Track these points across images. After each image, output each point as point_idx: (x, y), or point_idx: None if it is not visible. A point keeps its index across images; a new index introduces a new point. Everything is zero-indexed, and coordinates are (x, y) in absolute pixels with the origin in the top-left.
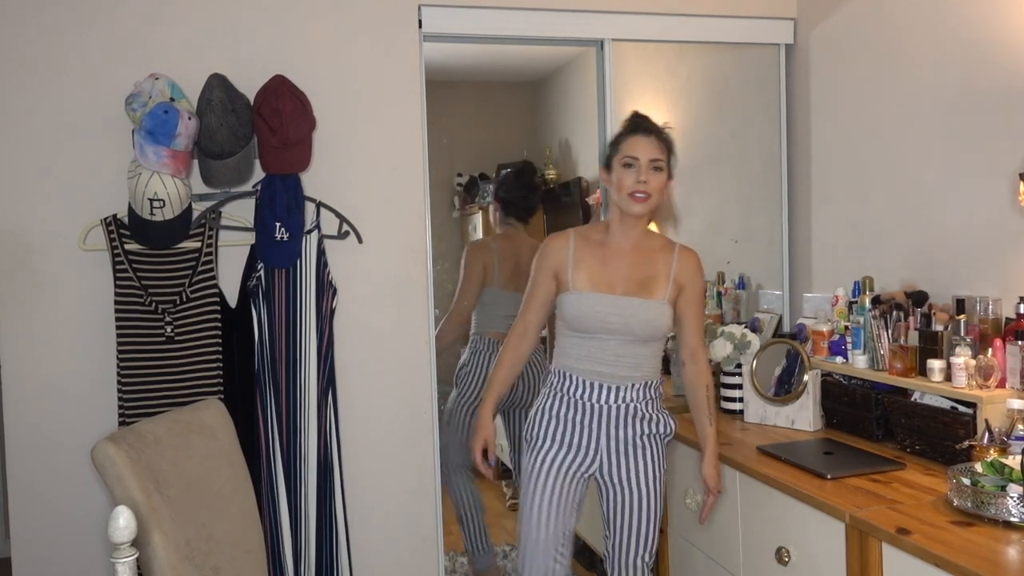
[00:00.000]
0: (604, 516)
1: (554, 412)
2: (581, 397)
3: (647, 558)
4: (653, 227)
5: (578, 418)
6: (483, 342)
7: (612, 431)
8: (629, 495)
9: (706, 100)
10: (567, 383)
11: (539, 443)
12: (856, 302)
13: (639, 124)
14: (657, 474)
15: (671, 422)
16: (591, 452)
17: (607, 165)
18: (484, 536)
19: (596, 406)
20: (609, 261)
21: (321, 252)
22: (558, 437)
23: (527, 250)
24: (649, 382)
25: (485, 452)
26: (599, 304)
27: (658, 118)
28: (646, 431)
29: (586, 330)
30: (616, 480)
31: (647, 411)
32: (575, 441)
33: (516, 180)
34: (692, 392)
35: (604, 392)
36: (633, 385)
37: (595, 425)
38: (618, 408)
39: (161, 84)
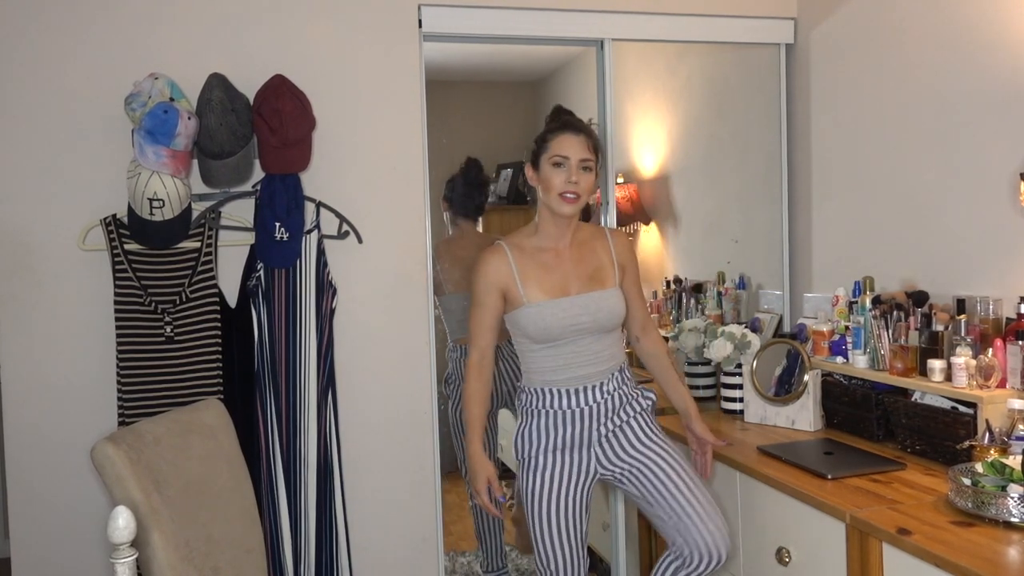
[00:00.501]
0: (645, 503)
1: (542, 430)
2: (568, 406)
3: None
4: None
5: (567, 432)
6: (457, 350)
7: (599, 426)
8: (640, 464)
9: (706, 100)
10: (549, 399)
11: (533, 463)
12: (856, 302)
13: (568, 122)
14: (654, 434)
15: (649, 392)
16: (585, 455)
17: (534, 163)
18: (502, 556)
19: (582, 409)
20: (552, 265)
21: (321, 252)
22: (551, 455)
23: (477, 249)
24: (623, 366)
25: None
26: (561, 309)
27: (658, 118)
28: (630, 412)
29: (556, 338)
30: (619, 460)
31: (628, 393)
32: (568, 453)
33: (461, 179)
34: (655, 361)
35: (589, 393)
36: (613, 375)
37: (584, 427)
38: (605, 402)
39: (161, 84)
